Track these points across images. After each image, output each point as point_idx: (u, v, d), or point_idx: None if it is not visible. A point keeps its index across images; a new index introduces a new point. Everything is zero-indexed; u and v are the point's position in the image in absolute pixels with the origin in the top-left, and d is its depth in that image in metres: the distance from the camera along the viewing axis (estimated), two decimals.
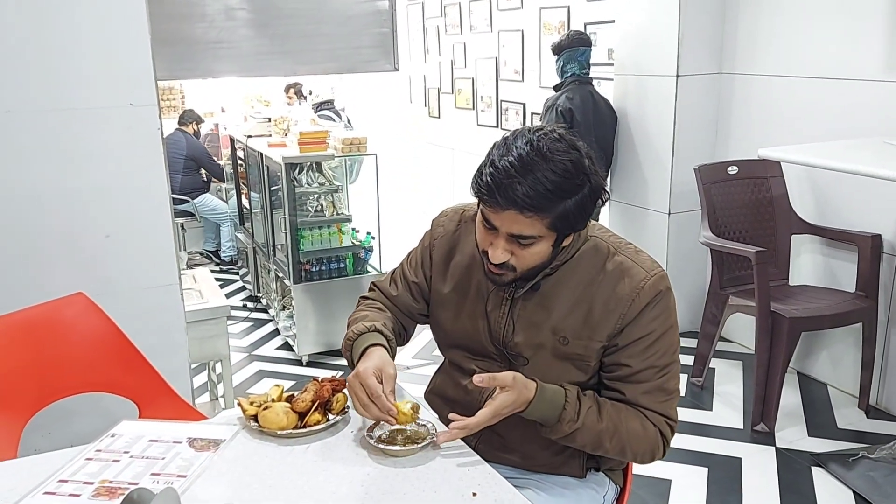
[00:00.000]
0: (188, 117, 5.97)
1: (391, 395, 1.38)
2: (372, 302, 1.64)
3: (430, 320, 1.62)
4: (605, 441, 1.37)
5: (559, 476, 1.51)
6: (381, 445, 1.36)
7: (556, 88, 3.87)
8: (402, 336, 1.64)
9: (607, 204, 4.04)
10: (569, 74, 3.79)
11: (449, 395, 1.58)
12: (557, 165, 1.25)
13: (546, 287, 1.41)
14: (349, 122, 6.05)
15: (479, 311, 1.48)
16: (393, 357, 1.50)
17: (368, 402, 1.35)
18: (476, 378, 1.32)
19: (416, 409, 1.41)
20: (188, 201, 5.85)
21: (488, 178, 1.27)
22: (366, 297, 1.67)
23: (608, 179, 4.01)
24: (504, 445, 1.50)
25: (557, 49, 3.81)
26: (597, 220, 1.51)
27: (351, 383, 1.40)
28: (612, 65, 4.05)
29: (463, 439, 1.43)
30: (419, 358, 3.85)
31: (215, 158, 6.17)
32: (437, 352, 1.65)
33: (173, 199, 2.58)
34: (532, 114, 5.19)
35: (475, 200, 1.47)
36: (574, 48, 3.76)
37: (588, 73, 3.82)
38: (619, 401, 1.40)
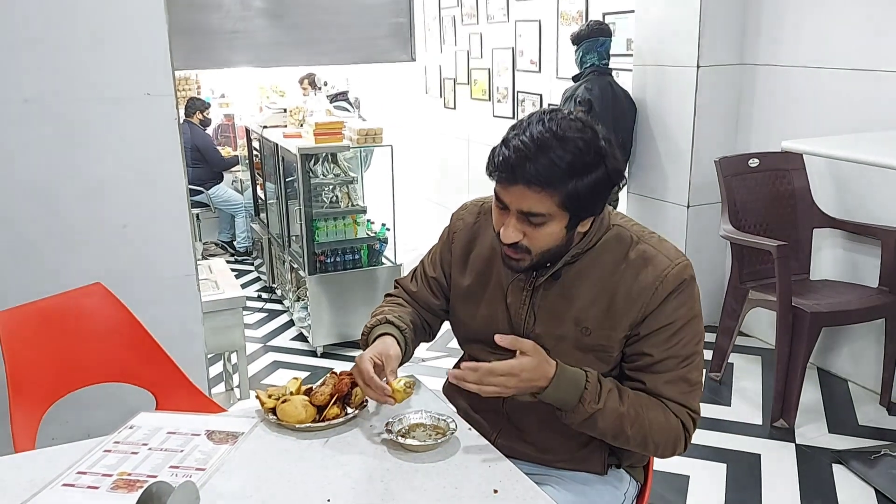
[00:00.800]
0: (193, 107, 5.87)
1: (391, 375, 1.41)
2: (394, 298, 1.66)
3: (449, 314, 1.61)
4: (626, 427, 1.33)
5: (580, 472, 1.49)
6: (400, 440, 1.35)
7: (574, 79, 3.83)
8: (427, 331, 1.65)
9: (625, 196, 4.01)
10: (588, 65, 3.75)
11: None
12: (569, 144, 1.24)
13: (567, 277, 1.39)
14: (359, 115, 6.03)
15: (499, 303, 1.47)
16: (407, 347, 1.51)
17: (364, 386, 1.39)
18: (497, 336, 1.30)
19: (410, 385, 1.41)
20: (202, 192, 5.85)
21: (500, 157, 1.27)
22: (390, 293, 1.69)
23: (626, 171, 3.96)
24: (523, 439, 1.48)
25: (576, 39, 3.77)
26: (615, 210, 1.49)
27: (353, 371, 1.44)
28: (631, 55, 4.00)
29: (482, 433, 1.43)
30: (434, 350, 3.83)
31: (228, 149, 6.15)
32: (452, 344, 1.64)
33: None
34: (549, 105, 5.15)
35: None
36: (593, 38, 3.71)
37: (607, 64, 3.78)
38: (640, 391, 1.37)
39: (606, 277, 1.37)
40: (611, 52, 3.79)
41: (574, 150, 1.24)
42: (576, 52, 3.80)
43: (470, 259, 1.54)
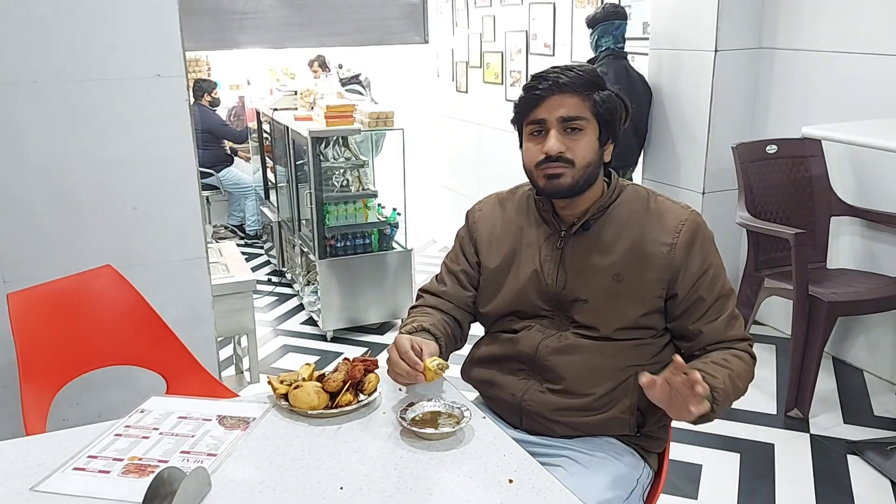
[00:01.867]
0: (201, 89, 5.78)
1: (427, 357, 1.41)
2: (421, 308, 1.64)
3: (477, 301, 1.61)
4: (737, 391, 1.44)
5: (602, 444, 1.49)
6: (414, 428, 1.33)
7: (589, 63, 3.77)
8: (457, 338, 1.64)
9: (640, 181, 3.96)
10: (603, 48, 3.69)
11: (496, 356, 1.57)
12: (585, 66, 1.49)
13: (596, 227, 1.50)
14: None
15: (528, 271, 1.52)
16: (444, 353, 1.52)
17: (398, 360, 1.39)
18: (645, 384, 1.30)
19: (442, 367, 1.39)
20: (212, 174, 5.83)
21: (532, 83, 1.44)
22: (415, 305, 1.68)
23: (641, 157, 3.92)
24: (552, 391, 1.49)
25: (592, 22, 3.71)
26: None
27: (389, 348, 1.44)
28: (647, 39, 3.93)
29: (509, 394, 1.52)
30: None
31: (234, 123, 6.08)
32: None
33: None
34: None
35: (506, 189, 1.67)
36: (609, 21, 3.65)
37: (623, 48, 3.71)
38: (706, 346, 1.47)
39: (630, 225, 1.49)
40: (626, 36, 3.72)
41: (589, 69, 1.48)
42: (591, 35, 3.74)
43: (494, 241, 1.59)
